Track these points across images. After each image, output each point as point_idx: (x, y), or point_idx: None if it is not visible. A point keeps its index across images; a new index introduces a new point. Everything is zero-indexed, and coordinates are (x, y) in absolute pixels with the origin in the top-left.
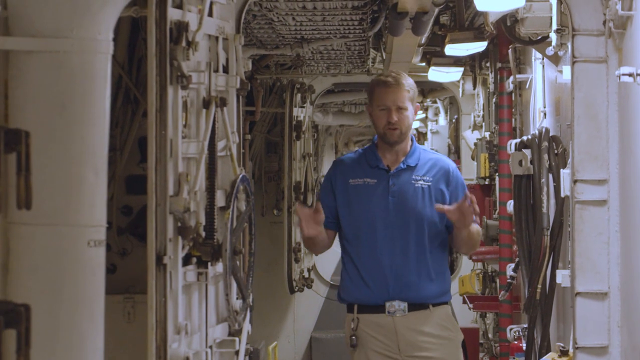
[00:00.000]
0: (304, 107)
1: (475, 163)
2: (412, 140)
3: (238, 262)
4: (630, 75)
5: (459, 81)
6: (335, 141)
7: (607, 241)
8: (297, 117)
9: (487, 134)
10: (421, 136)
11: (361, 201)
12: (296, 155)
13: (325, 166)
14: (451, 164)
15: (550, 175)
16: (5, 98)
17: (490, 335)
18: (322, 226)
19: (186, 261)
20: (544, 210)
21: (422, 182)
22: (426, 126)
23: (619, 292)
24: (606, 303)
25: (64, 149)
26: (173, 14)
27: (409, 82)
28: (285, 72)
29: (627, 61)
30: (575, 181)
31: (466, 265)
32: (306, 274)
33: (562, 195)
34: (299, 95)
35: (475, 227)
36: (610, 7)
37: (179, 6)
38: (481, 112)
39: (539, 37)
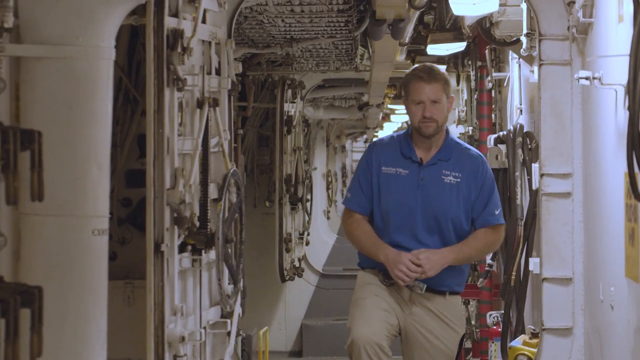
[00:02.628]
0: (294, 102)
1: None
2: (446, 132)
3: (229, 250)
4: (587, 78)
5: None
6: (327, 134)
7: (572, 230)
8: (287, 112)
9: (470, 129)
10: None
11: (391, 191)
12: (287, 148)
13: (317, 158)
14: (482, 163)
15: (525, 169)
16: (17, 100)
17: (473, 322)
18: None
19: (182, 249)
20: (518, 202)
21: (451, 177)
22: None
23: (583, 277)
24: (571, 288)
25: (70, 146)
26: (169, 22)
27: (442, 76)
28: (276, 68)
29: (589, 64)
30: (542, 175)
31: None
32: (297, 264)
33: (534, 188)
34: (289, 91)
35: (466, 250)
36: (573, 14)
37: (175, 15)
38: (464, 108)
39: (514, 39)
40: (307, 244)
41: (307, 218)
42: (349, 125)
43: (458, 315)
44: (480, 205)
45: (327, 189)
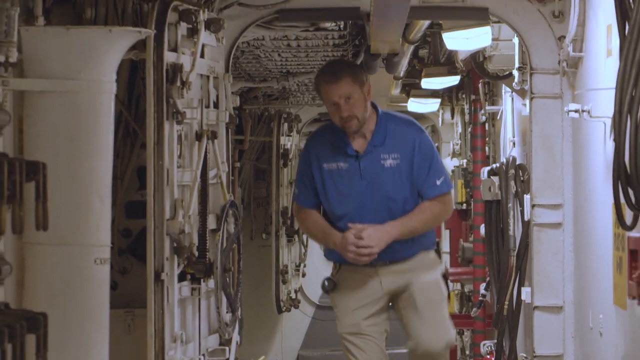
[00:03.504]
0: (290, 135)
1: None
2: (376, 111)
3: (228, 279)
4: (576, 111)
5: (438, 110)
6: None
7: (562, 260)
8: (284, 145)
9: (464, 162)
10: None
11: (336, 186)
12: (283, 181)
13: None
14: (417, 137)
15: (517, 201)
16: (21, 133)
17: (467, 352)
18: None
19: (181, 278)
20: (511, 232)
21: (390, 160)
22: None
23: (573, 305)
24: (561, 316)
25: (73, 178)
26: (169, 57)
27: (347, 70)
28: (272, 102)
29: (578, 97)
30: (533, 206)
31: None
32: (293, 295)
33: (526, 219)
34: (286, 125)
35: (410, 224)
36: (564, 49)
37: (174, 49)
38: (459, 141)
39: (507, 73)
40: (304, 275)
41: (303, 250)
42: None
43: (430, 262)
44: (420, 177)
45: None
